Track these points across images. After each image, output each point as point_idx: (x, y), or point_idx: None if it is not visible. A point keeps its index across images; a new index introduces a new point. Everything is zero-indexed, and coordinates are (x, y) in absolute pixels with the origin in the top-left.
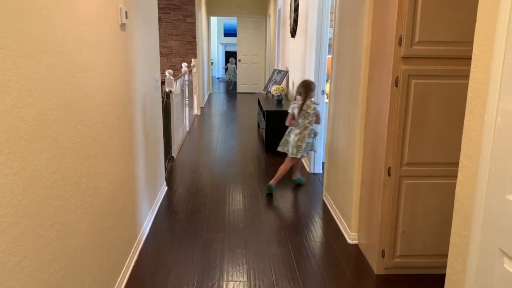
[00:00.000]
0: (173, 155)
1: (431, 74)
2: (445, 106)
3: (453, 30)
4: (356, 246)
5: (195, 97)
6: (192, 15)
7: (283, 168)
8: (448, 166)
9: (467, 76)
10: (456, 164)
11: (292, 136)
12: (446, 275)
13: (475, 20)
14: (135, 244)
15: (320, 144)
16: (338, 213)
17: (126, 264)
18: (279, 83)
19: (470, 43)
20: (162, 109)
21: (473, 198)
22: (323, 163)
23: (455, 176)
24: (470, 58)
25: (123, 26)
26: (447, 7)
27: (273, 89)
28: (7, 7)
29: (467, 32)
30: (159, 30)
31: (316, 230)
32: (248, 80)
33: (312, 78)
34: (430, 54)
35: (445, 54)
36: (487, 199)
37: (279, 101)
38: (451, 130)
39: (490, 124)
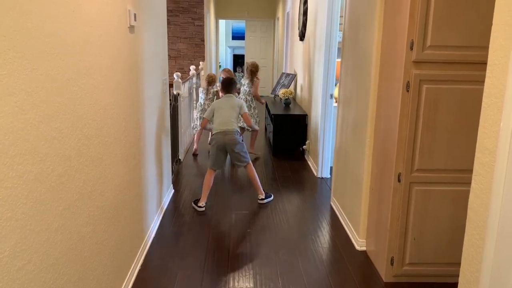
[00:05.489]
0: (180, 157)
1: (443, 79)
2: (457, 112)
3: (466, 34)
4: (364, 253)
5: None
6: (201, 18)
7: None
8: (459, 173)
9: (480, 81)
10: (468, 171)
11: None
12: (459, 285)
13: (488, 25)
14: (140, 248)
15: (328, 148)
16: (346, 219)
17: (132, 268)
18: (287, 86)
19: (483, 48)
20: (170, 111)
21: (487, 207)
22: (331, 167)
23: (467, 183)
24: (483, 63)
25: (131, 28)
26: (460, 11)
27: (281, 92)
28: (12, 8)
29: (479, 37)
30: (168, 33)
31: (324, 236)
32: None
33: (320, 82)
34: (442, 58)
35: (457, 58)
36: (502, 208)
37: (287, 105)
38: (463, 136)
39: (506, 131)
